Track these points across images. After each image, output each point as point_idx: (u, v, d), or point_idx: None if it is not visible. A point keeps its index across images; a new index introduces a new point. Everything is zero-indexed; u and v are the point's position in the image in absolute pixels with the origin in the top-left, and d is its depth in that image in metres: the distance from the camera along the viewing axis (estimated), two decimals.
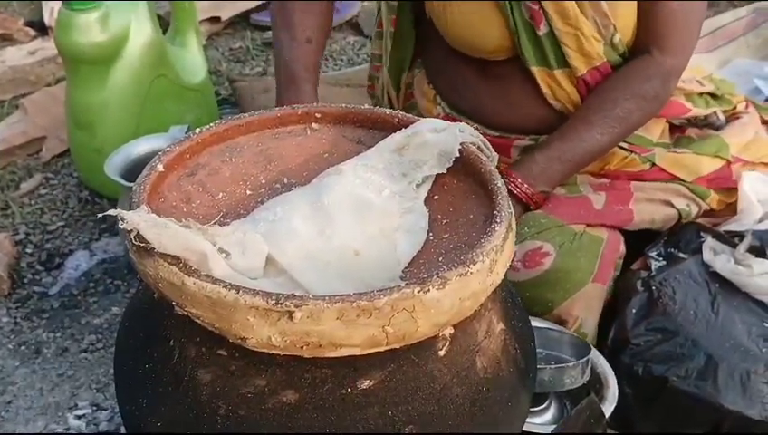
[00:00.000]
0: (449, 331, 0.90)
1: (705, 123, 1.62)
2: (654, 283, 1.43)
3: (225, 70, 2.81)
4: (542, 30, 1.44)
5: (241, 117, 1.11)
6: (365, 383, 0.87)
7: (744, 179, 1.52)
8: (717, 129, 1.61)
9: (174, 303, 0.87)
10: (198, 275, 0.84)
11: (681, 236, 1.52)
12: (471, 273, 0.85)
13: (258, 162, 1.07)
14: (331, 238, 0.96)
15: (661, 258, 1.49)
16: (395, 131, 1.08)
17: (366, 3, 3.05)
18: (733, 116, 1.64)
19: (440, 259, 0.94)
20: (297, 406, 0.87)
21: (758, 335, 1.37)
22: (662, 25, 1.44)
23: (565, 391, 1.28)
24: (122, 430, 1.55)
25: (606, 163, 1.53)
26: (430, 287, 0.82)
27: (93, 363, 1.72)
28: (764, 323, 1.40)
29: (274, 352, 0.83)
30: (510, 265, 1.36)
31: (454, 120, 1.25)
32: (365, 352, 0.84)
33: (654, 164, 1.52)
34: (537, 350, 1.10)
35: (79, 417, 1.61)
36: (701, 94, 1.62)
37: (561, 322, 1.41)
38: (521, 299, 1.14)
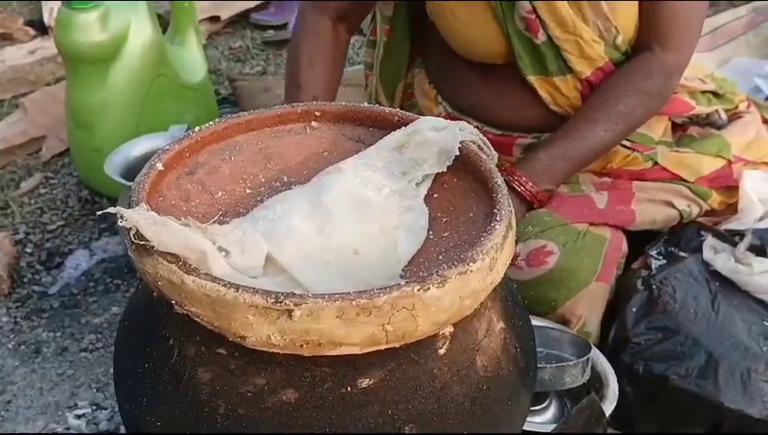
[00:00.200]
0: (449, 329, 0.90)
1: (707, 122, 1.62)
2: (654, 281, 1.43)
3: (225, 69, 2.81)
4: (540, 38, 1.44)
5: (240, 115, 1.11)
6: (365, 382, 0.87)
7: (746, 178, 1.52)
8: (719, 128, 1.61)
9: (173, 301, 0.86)
10: (198, 273, 0.83)
11: (681, 235, 1.52)
12: (471, 271, 0.85)
13: (258, 161, 1.07)
14: (330, 237, 0.95)
15: (661, 257, 1.49)
16: (395, 130, 1.08)
17: None
18: (734, 115, 1.64)
19: (440, 258, 0.93)
20: (297, 405, 0.86)
21: (758, 334, 1.37)
22: (664, 23, 1.44)
23: (565, 389, 1.28)
24: (122, 429, 1.55)
25: (608, 161, 1.53)
26: (430, 286, 0.82)
27: (93, 363, 1.72)
28: (765, 322, 1.40)
29: (274, 350, 0.83)
30: (514, 264, 1.38)
31: (455, 119, 1.25)
32: (365, 351, 0.84)
33: (656, 163, 1.52)
34: (537, 349, 1.09)
35: (79, 416, 1.61)
36: (703, 92, 1.62)
37: (565, 321, 1.41)
38: (524, 298, 1.14)
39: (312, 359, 0.85)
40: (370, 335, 0.82)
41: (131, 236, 0.85)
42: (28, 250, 2.03)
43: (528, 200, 1.43)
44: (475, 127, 1.08)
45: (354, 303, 0.80)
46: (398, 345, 0.84)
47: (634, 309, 1.42)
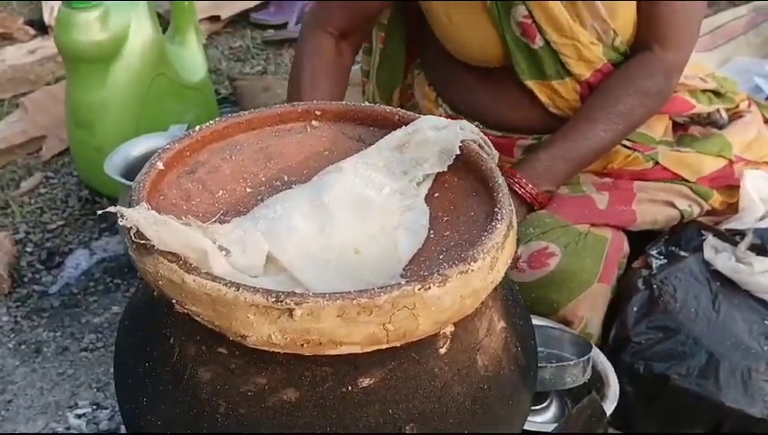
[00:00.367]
0: (450, 329, 0.90)
1: (708, 121, 1.62)
2: (655, 281, 1.43)
3: (225, 69, 2.81)
4: (538, 43, 1.44)
5: (241, 115, 1.10)
6: (365, 381, 0.87)
7: (747, 177, 1.52)
8: (720, 127, 1.61)
9: (174, 300, 0.86)
10: (198, 272, 0.83)
11: (682, 235, 1.52)
12: (472, 270, 0.84)
13: (258, 160, 1.07)
14: (331, 236, 0.95)
15: (662, 257, 1.49)
16: (395, 129, 1.08)
17: None
18: (735, 114, 1.64)
19: (441, 257, 0.93)
20: (297, 404, 0.86)
21: (759, 333, 1.37)
22: (663, 22, 1.44)
23: (566, 389, 1.28)
24: (122, 429, 1.55)
25: (609, 162, 1.53)
26: (431, 285, 0.82)
27: (93, 362, 1.72)
28: (765, 321, 1.39)
29: (275, 350, 0.83)
30: (515, 266, 1.37)
31: (456, 119, 1.24)
32: (365, 350, 0.84)
33: (657, 163, 1.52)
34: (538, 348, 1.09)
35: (79, 416, 1.61)
36: (704, 91, 1.61)
37: (567, 323, 1.40)
38: (526, 300, 1.13)
39: (312, 358, 0.85)
40: (371, 335, 0.82)
41: (132, 235, 0.85)
42: (28, 250, 2.03)
43: (529, 202, 1.43)
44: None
45: (355, 302, 0.80)
46: (398, 345, 0.84)
47: (635, 308, 1.41)
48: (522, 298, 1.11)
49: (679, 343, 1.36)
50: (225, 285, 0.81)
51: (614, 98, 1.44)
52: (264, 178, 1.05)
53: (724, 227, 1.53)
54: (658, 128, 1.57)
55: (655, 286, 1.42)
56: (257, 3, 3.11)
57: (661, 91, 1.47)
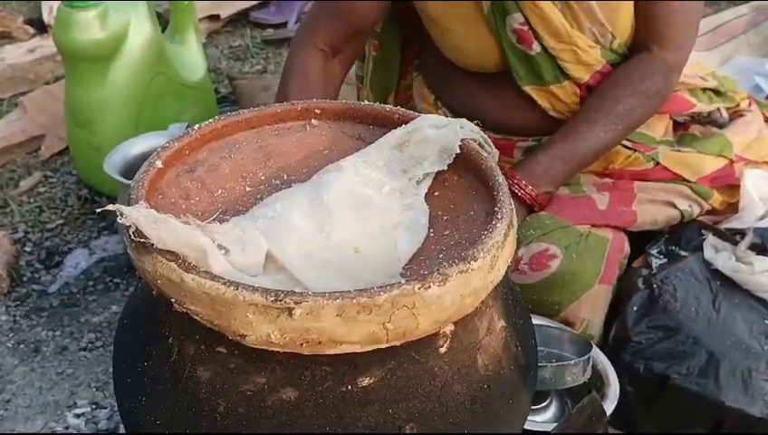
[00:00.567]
0: (450, 328, 0.90)
1: (709, 120, 1.61)
2: (655, 280, 1.43)
3: (225, 68, 2.81)
4: (535, 50, 1.44)
5: (240, 113, 1.10)
6: (365, 381, 0.87)
7: (747, 177, 1.52)
8: (721, 126, 1.61)
9: (173, 300, 0.86)
10: (197, 271, 0.83)
11: (682, 234, 1.52)
12: (472, 269, 0.84)
13: (257, 159, 1.07)
14: (330, 235, 0.95)
15: (662, 256, 1.49)
16: (395, 128, 1.08)
17: None
18: (736, 113, 1.64)
19: (441, 256, 0.93)
20: (297, 404, 0.86)
21: (759, 333, 1.36)
22: (662, 22, 1.44)
23: (566, 388, 1.28)
24: (121, 428, 1.55)
25: (610, 162, 1.53)
26: (431, 284, 0.82)
27: (92, 362, 1.72)
28: (766, 321, 1.39)
29: (274, 349, 0.83)
30: (517, 268, 1.37)
31: None
32: (365, 350, 0.83)
33: (658, 163, 1.52)
34: (538, 347, 1.09)
35: (78, 415, 1.60)
36: (704, 90, 1.61)
37: (569, 324, 1.40)
38: (527, 302, 1.13)
39: (312, 357, 0.84)
40: (371, 334, 0.81)
41: (131, 233, 0.85)
42: (27, 249, 2.03)
43: (528, 203, 1.43)
44: None
45: (354, 301, 0.79)
46: (398, 344, 0.84)
47: (635, 308, 1.41)
48: (522, 300, 1.10)
49: (679, 343, 1.36)
50: (224, 284, 0.81)
51: (613, 99, 1.44)
52: (263, 177, 1.04)
53: (724, 226, 1.53)
54: (659, 128, 1.57)
55: (655, 286, 1.42)
56: (257, 2, 3.11)
57: (660, 92, 1.47)
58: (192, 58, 2.27)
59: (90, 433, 1.57)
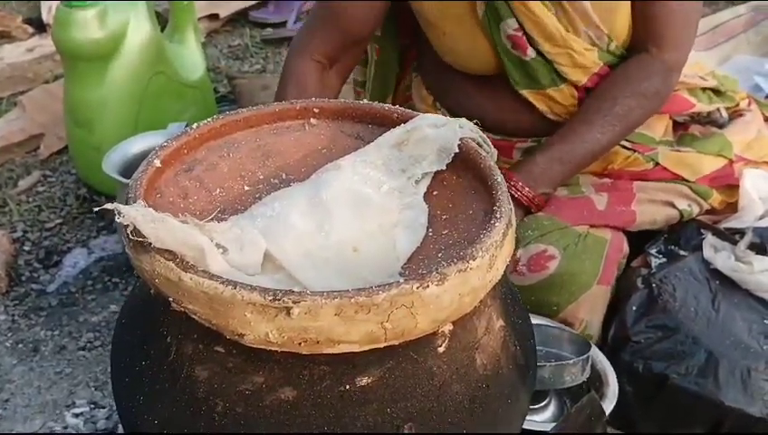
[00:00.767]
0: (448, 327, 0.90)
1: (709, 120, 1.61)
2: (654, 280, 1.43)
3: (224, 67, 2.81)
4: (530, 55, 1.44)
5: (238, 112, 1.10)
6: (363, 380, 0.86)
7: (746, 176, 1.52)
8: (720, 126, 1.61)
9: (171, 299, 0.86)
10: (195, 270, 0.83)
11: (681, 234, 1.51)
12: (470, 268, 0.84)
13: (256, 158, 1.07)
14: (329, 234, 0.95)
15: (661, 256, 1.48)
16: (394, 127, 1.08)
17: None
18: (735, 113, 1.64)
19: (439, 255, 0.93)
20: (295, 403, 0.86)
21: (759, 332, 1.36)
22: (660, 23, 1.44)
23: (565, 388, 1.28)
24: (120, 428, 1.55)
25: (609, 163, 1.53)
26: (429, 283, 0.81)
27: (91, 361, 1.72)
28: (765, 321, 1.39)
29: (272, 348, 0.83)
30: (515, 270, 1.37)
31: None
32: (363, 349, 0.83)
33: (657, 163, 1.52)
34: (537, 347, 1.09)
35: (77, 415, 1.60)
36: (704, 90, 1.61)
37: (567, 325, 1.40)
38: (526, 303, 1.13)
39: (310, 357, 0.84)
40: (369, 333, 0.81)
41: (129, 232, 0.85)
42: (26, 248, 2.03)
43: (525, 205, 1.43)
44: None
45: (353, 300, 0.79)
46: (396, 343, 0.84)
47: (634, 307, 1.41)
48: (521, 301, 1.10)
49: (678, 343, 1.36)
50: (223, 283, 0.81)
51: (611, 100, 1.44)
52: (261, 176, 1.04)
53: (723, 225, 1.53)
54: (658, 128, 1.57)
55: (654, 285, 1.42)
56: (256, 1, 3.11)
57: (659, 92, 1.47)
58: (191, 57, 2.27)
59: (88, 433, 1.57)
